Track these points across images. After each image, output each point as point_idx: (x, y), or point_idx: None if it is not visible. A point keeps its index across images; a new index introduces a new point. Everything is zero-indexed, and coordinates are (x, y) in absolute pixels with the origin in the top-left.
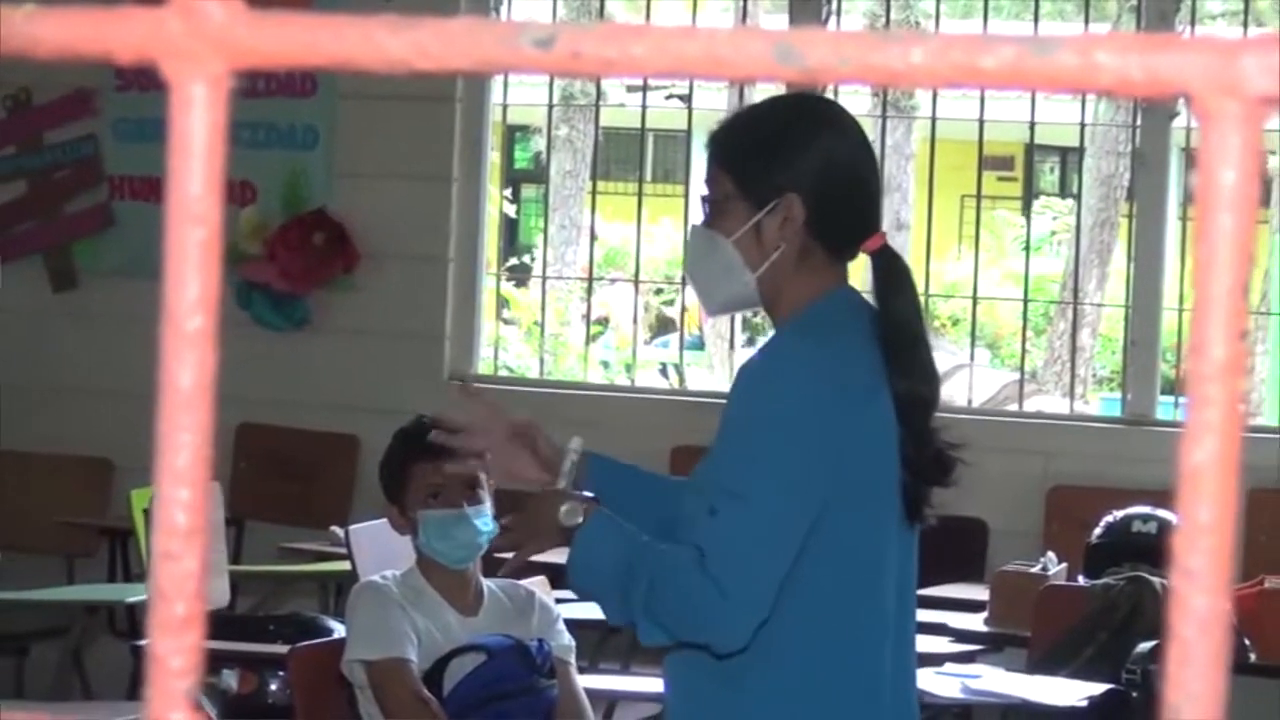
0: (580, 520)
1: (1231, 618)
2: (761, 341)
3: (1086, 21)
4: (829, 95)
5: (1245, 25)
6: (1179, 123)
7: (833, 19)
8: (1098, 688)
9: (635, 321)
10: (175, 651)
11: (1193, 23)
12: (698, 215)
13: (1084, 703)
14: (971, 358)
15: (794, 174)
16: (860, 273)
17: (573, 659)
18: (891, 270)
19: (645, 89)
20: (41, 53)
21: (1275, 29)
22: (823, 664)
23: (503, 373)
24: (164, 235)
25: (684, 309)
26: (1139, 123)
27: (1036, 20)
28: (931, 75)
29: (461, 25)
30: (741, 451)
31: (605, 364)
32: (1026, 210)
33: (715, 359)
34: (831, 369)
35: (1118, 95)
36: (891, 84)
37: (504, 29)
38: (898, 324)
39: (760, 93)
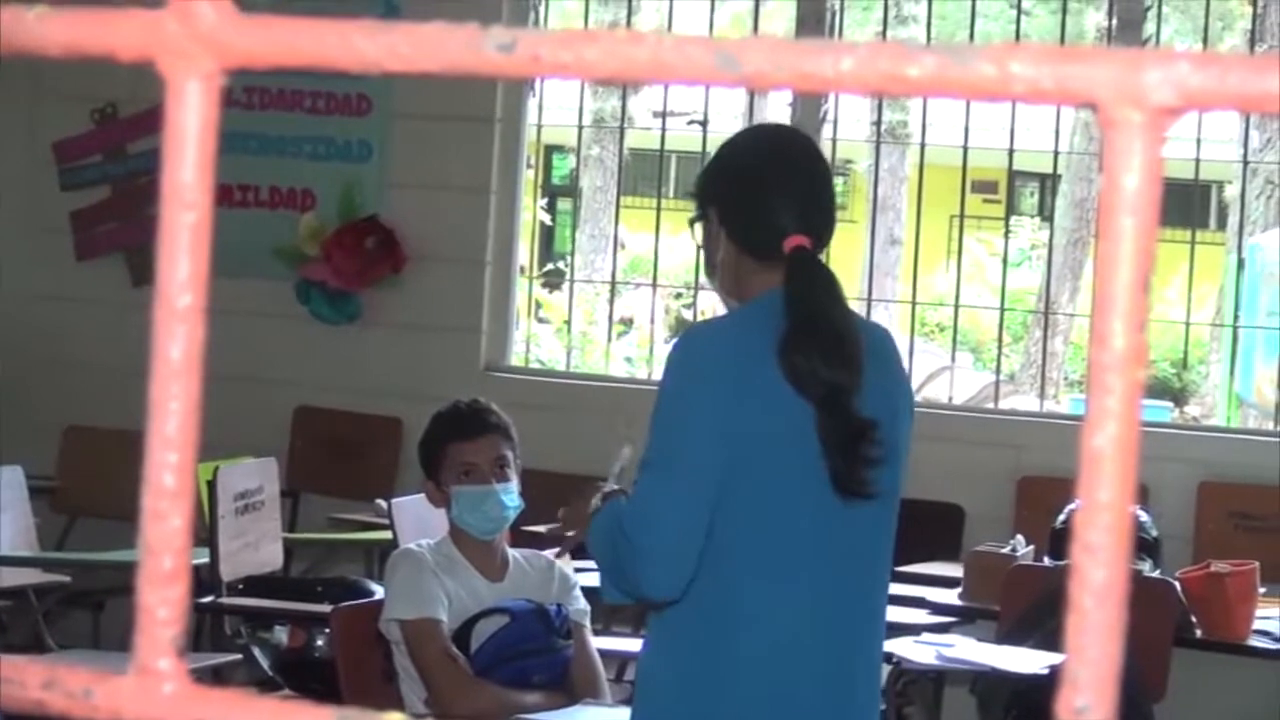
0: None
1: (1180, 597)
2: None
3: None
4: (833, 121)
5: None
6: None
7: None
8: (1059, 657)
9: (651, 322)
10: (161, 603)
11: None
12: None
13: (1045, 670)
14: (953, 360)
15: (709, 187)
16: (855, 284)
17: (588, 622)
18: (800, 265)
19: (666, 115)
20: (51, 51)
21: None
22: (722, 622)
23: (534, 365)
24: (161, 223)
25: (701, 312)
26: None
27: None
28: (860, 82)
29: (431, 30)
30: (653, 425)
31: (629, 360)
32: (1007, 230)
33: None
34: (722, 344)
35: (1032, 103)
36: (823, 90)
37: (470, 34)
38: (794, 303)
39: (771, 119)
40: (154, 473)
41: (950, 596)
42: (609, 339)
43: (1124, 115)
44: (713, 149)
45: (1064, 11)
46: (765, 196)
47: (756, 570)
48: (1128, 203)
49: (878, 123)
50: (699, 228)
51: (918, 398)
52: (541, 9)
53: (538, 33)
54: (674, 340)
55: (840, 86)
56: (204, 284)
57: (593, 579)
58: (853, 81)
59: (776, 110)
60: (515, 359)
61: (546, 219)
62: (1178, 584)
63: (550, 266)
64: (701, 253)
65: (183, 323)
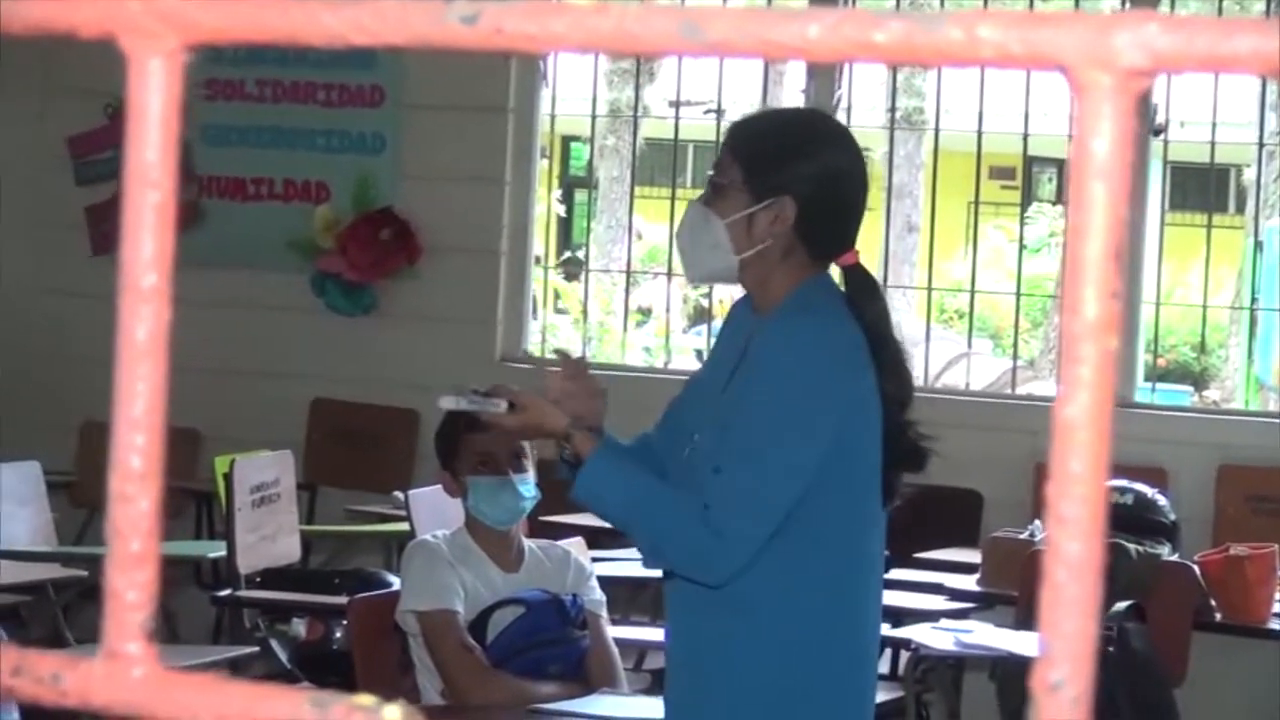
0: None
1: (1200, 581)
2: None
3: None
4: (847, 108)
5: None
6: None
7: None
8: None
9: (667, 311)
10: (130, 586)
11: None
12: None
13: None
14: (969, 346)
15: (794, 179)
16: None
17: (604, 612)
18: (864, 283)
19: (679, 104)
20: (14, 29)
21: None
22: (818, 602)
23: (550, 355)
24: (125, 203)
25: (719, 302)
26: None
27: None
28: (828, 49)
29: (394, 4)
30: (751, 418)
31: (647, 349)
32: (1023, 215)
33: None
34: (826, 341)
35: (1000, 67)
36: (791, 57)
37: (433, 7)
38: (872, 327)
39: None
40: (121, 455)
41: (968, 582)
42: (625, 329)
43: (1092, 78)
44: None
45: None
46: (855, 209)
47: (870, 566)
48: (1098, 168)
49: (892, 109)
50: (735, 198)
51: (936, 384)
52: None
53: (502, 5)
54: (771, 344)
55: (808, 54)
56: (169, 264)
57: (610, 569)
58: (820, 48)
59: (791, 98)
60: (533, 349)
61: (562, 210)
62: (1197, 567)
63: (568, 255)
64: (717, 222)
65: (147, 303)
